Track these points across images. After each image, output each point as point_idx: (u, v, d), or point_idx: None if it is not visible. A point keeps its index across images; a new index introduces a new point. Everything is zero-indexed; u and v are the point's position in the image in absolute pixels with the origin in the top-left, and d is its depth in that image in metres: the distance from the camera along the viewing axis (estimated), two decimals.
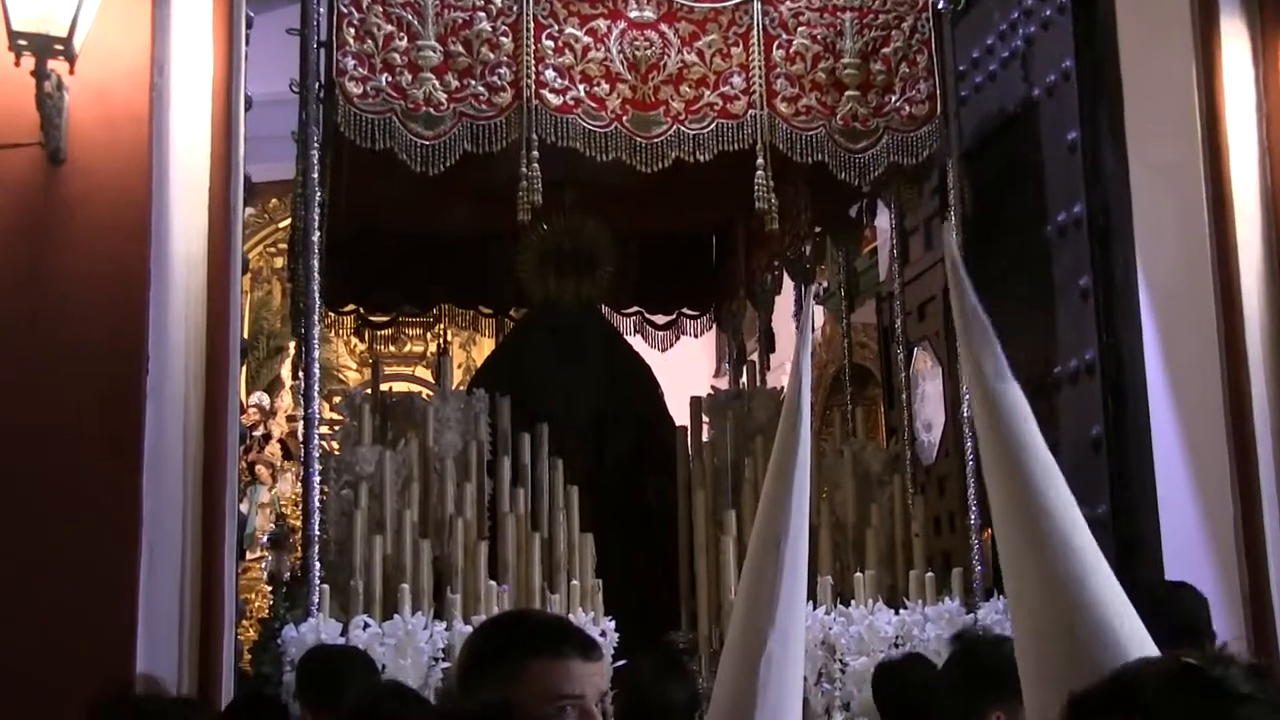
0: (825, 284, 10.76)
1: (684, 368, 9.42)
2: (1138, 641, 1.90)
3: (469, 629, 5.32)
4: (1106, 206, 5.91)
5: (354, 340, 11.52)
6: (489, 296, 8.60)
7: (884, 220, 7.66)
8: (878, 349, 8.56)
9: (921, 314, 7.42)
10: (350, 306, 8.42)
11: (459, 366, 13.50)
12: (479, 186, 7.18)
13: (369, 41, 5.80)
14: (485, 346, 12.76)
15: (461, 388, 6.98)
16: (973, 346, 2.10)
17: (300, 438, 5.93)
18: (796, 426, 2.41)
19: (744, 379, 8.26)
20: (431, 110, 5.80)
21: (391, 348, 10.14)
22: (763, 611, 2.30)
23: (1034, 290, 6.30)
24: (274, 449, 12.36)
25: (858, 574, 6.06)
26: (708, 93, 6.03)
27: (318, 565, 5.47)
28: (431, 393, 6.80)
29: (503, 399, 6.54)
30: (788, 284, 8.12)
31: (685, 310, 8.96)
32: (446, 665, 5.35)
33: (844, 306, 7.88)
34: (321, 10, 5.79)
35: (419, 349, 13.35)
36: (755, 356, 8.46)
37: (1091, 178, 5.96)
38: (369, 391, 6.86)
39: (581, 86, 5.92)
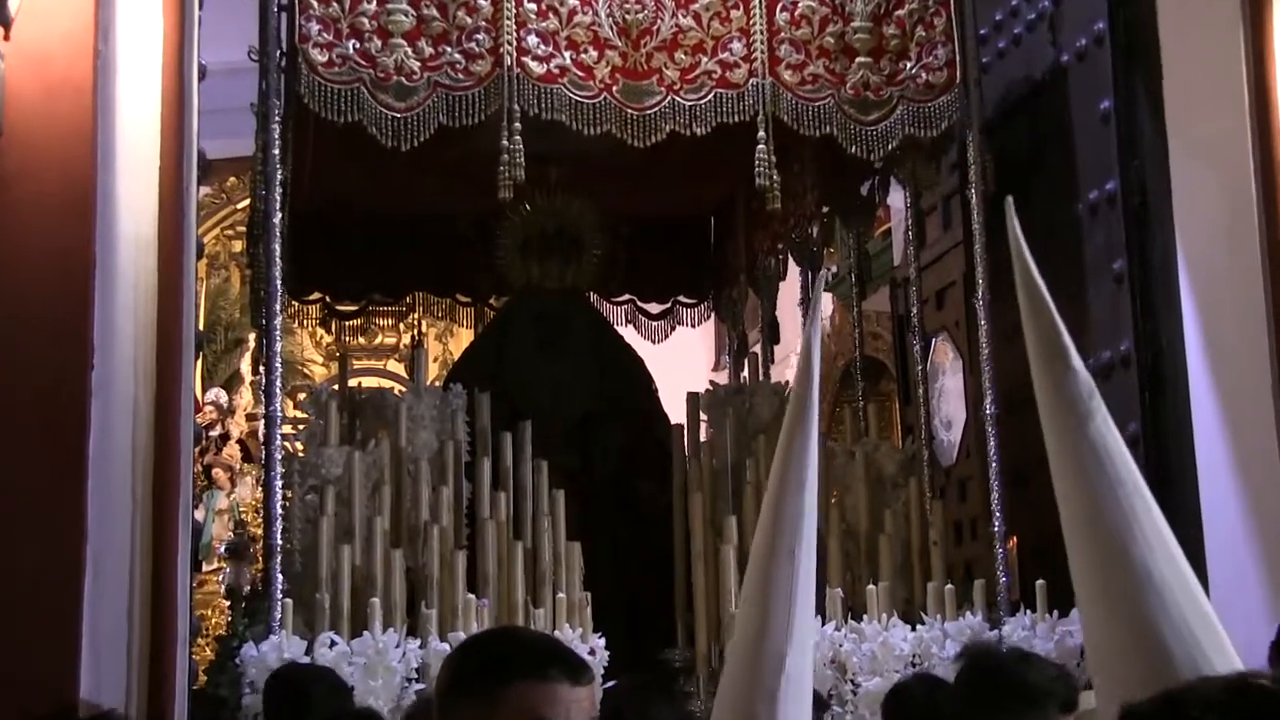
0: (834, 269, 10.76)
1: (680, 361, 9.41)
2: (1218, 655, 1.93)
3: (445, 647, 5.31)
4: (1143, 183, 5.90)
5: (320, 332, 11.53)
6: (467, 283, 8.59)
7: (898, 199, 7.65)
8: (892, 340, 8.56)
9: (940, 301, 7.41)
10: (315, 295, 8.40)
11: (434, 360, 13.48)
12: (456, 163, 7.15)
13: (334, 4, 5.78)
14: (463, 338, 12.74)
15: (437, 383, 6.98)
16: (1042, 334, 2.12)
17: (261, 438, 5.91)
18: (806, 421, 2.41)
19: (745, 373, 8.25)
20: (403, 80, 5.77)
21: (360, 340, 10.11)
22: (780, 630, 2.29)
23: (1063, 275, 6.28)
24: (232, 450, 12.35)
25: (870, 586, 6.05)
26: (705, 60, 6.01)
27: (280, 577, 5.46)
28: (404, 388, 6.79)
29: (482, 395, 6.53)
30: (793, 269, 8.11)
31: (681, 298, 8.95)
32: (421, 687, 5.32)
33: (855, 293, 7.87)
34: None
35: (390, 341, 13.33)
36: (758, 348, 8.45)
37: (1126, 151, 5.95)
38: (336, 387, 6.84)
39: (567, 54, 5.90)
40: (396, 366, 13.42)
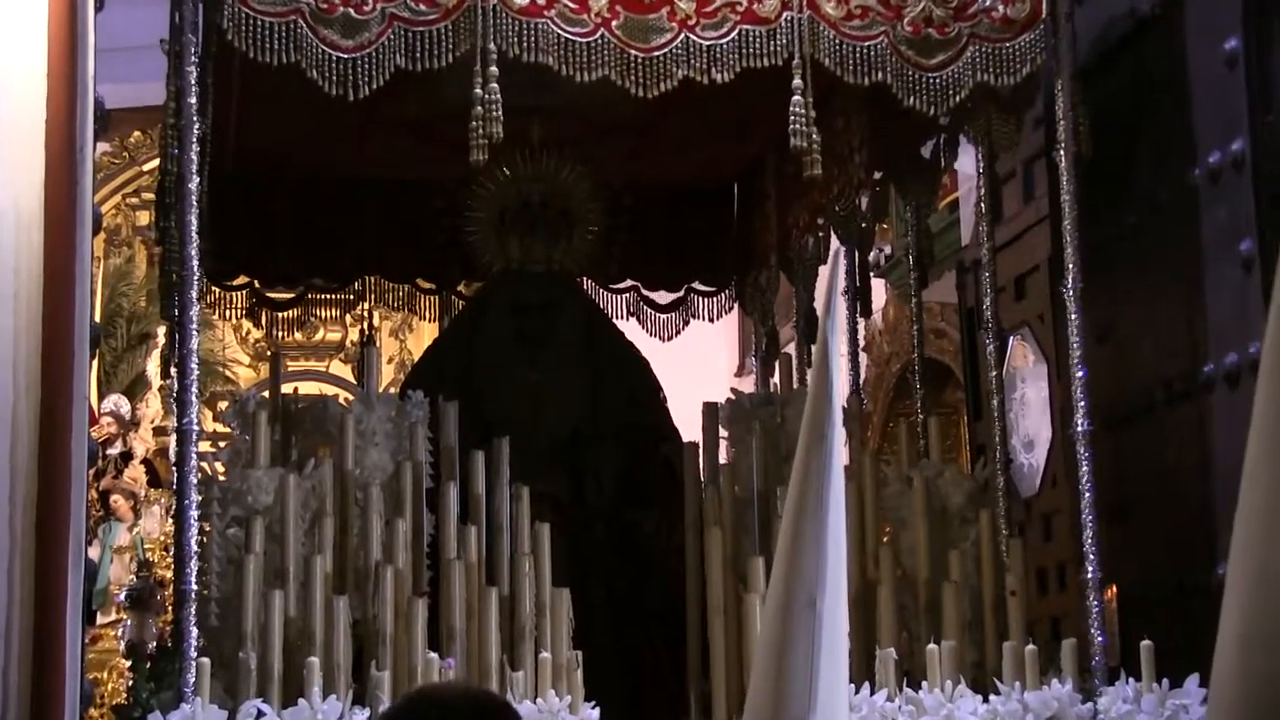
0: (887, 250, 10.77)
1: (695, 363, 9.42)
2: None
3: None
4: (1278, 143, 5.88)
5: (246, 325, 11.50)
6: (430, 266, 8.59)
7: (968, 163, 7.63)
8: (959, 338, 8.55)
9: (1019, 290, 7.41)
10: (241, 279, 8.40)
11: (389, 361, 13.50)
12: (417, 117, 7.15)
13: None
14: (425, 334, 12.76)
15: (393, 389, 6.96)
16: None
17: (172, 457, 5.91)
18: (824, 440, 2.42)
19: (776, 378, 8.23)
20: (351, 11, 5.77)
21: (297, 335, 10.11)
22: (799, 698, 2.30)
23: (1175, 258, 6.28)
24: (136, 473, 12.36)
25: (931, 646, 6.04)
26: None
27: (195, 631, 5.45)
28: (351, 396, 6.78)
29: (448, 405, 6.53)
30: (835, 249, 8.10)
31: (697, 285, 8.95)
32: None
33: (913, 281, 7.86)
34: None
35: (334, 337, 13.35)
36: (792, 348, 8.44)
37: (1258, 103, 5.93)
38: (266, 394, 6.84)
39: None
40: (341, 369, 13.43)
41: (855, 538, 6.30)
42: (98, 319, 6.80)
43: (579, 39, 5.88)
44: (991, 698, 5.88)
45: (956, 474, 6.72)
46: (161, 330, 11.32)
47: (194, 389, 5.67)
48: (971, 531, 6.45)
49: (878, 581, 6.19)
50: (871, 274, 8.40)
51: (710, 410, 7.01)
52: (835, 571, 2.41)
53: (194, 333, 5.73)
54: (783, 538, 2.47)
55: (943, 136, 7.25)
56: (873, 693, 5.80)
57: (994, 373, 7.07)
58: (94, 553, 10.83)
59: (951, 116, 6.64)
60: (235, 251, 8.06)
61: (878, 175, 7.68)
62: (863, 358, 8.78)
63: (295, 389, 7.35)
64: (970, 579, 6.30)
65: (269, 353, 12.05)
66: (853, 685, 5.69)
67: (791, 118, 5.89)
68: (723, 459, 6.90)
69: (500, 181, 7.73)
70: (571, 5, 5.90)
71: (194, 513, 5.56)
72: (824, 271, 8.21)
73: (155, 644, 9.35)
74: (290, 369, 12.02)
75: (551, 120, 7.40)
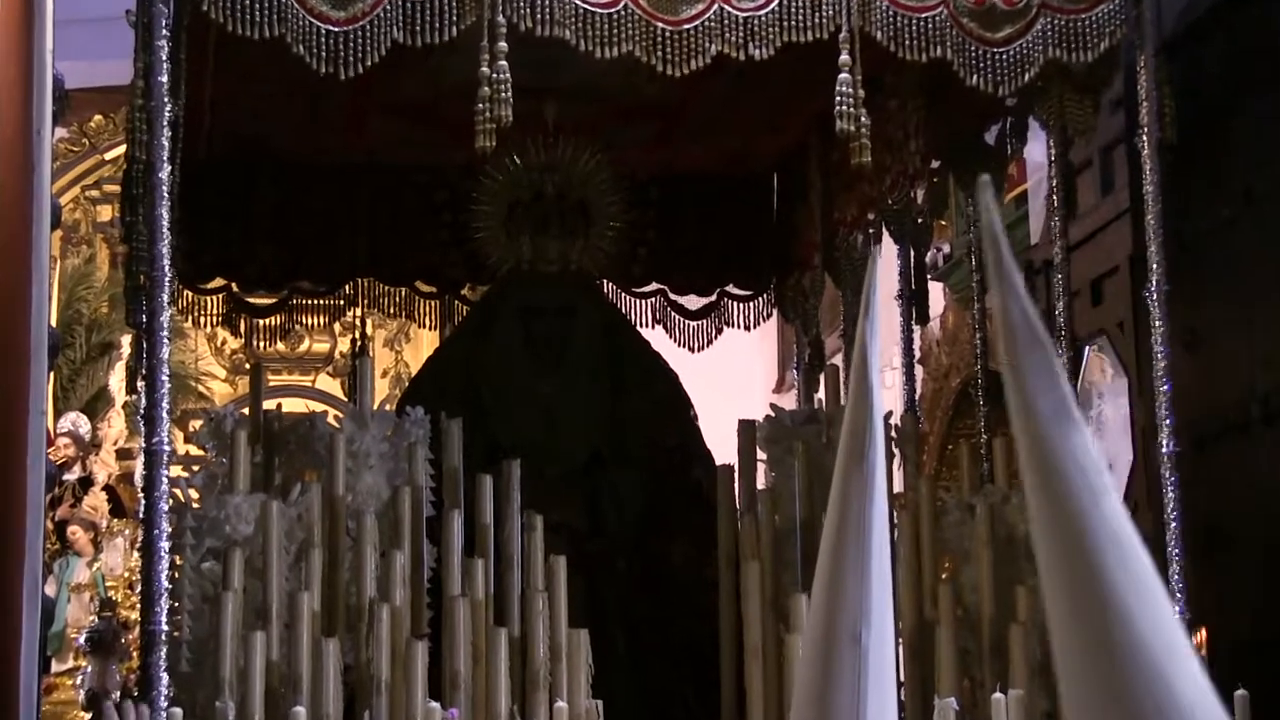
0: (946, 249, 10.76)
1: (729, 376, 9.42)
2: None
3: None
4: None
5: (222, 334, 11.54)
6: (430, 267, 8.60)
7: (1038, 151, 7.62)
8: None
9: (1097, 294, 7.41)
10: (217, 281, 8.42)
11: (383, 375, 13.50)
12: (416, 99, 7.16)
13: None
14: (424, 344, 12.74)
15: (389, 406, 6.97)
16: (1020, 368, 2.13)
17: (139, 483, 5.92)
18: (864, 457, 2.43)
19: (821, 393, 8.23)
20: None
21: (280, 346, 10.14)
22: None
23: (1273, 255, 6.27)
24: (97, 501, 12.38)
25: (997, 695, 6.03)
26: None
27: (165, 679, 5.44)
28: (341, 413, 6.78)
29: (451, 423, 6.53)
30: (889, 248, 8.10)
31: (731, 288, 8.94)
32: None
33: (975, 284, 7.86)
34: None
35: (322, 348, 13.37)
36: (839, 359, 8.44)
37: None
38: (246, 411, 6.84)
39: None
40: (329, 383, 13.46)
41: (911, 573, 6.31)
42: (53, 324, 6.83)
43: (599, 10, 5.89)
44: None
45: (1025, 501, 6.70)
46: (126, 339, 11.35)
47: (164, 406, 5.66)
48: None
49: (936, 622, 6.18)
50: (929, 276, 8.39)
51: (747, 429, 7.01)
52: (881, 602, 2.41)
53: (164, 342, 5.71)
54: (821, 567, 2.47)
55: (1009, 120, 7.24)
56: None
57: None
58: (49, 590, 10.84)
59: (1019, 97, 6.64)
60: (211, 251, 8.08)
61: (935, 164, 7.67)
62: (918, 371, 8.77)
63: (278, 405, 7.34)
64: (1041, 619, 6.28)
65: (248, 365, 12.07)
66: None
67: (838, 99, 5.90)
68: (761, 484, 6.90)
69: (510, 171, 7.73)
70: None
71: (164, 544, 5.53)
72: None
73: (119, 693, 9.37)
74: (272, 384, 12.03)
75: (568, 102, 7.40)
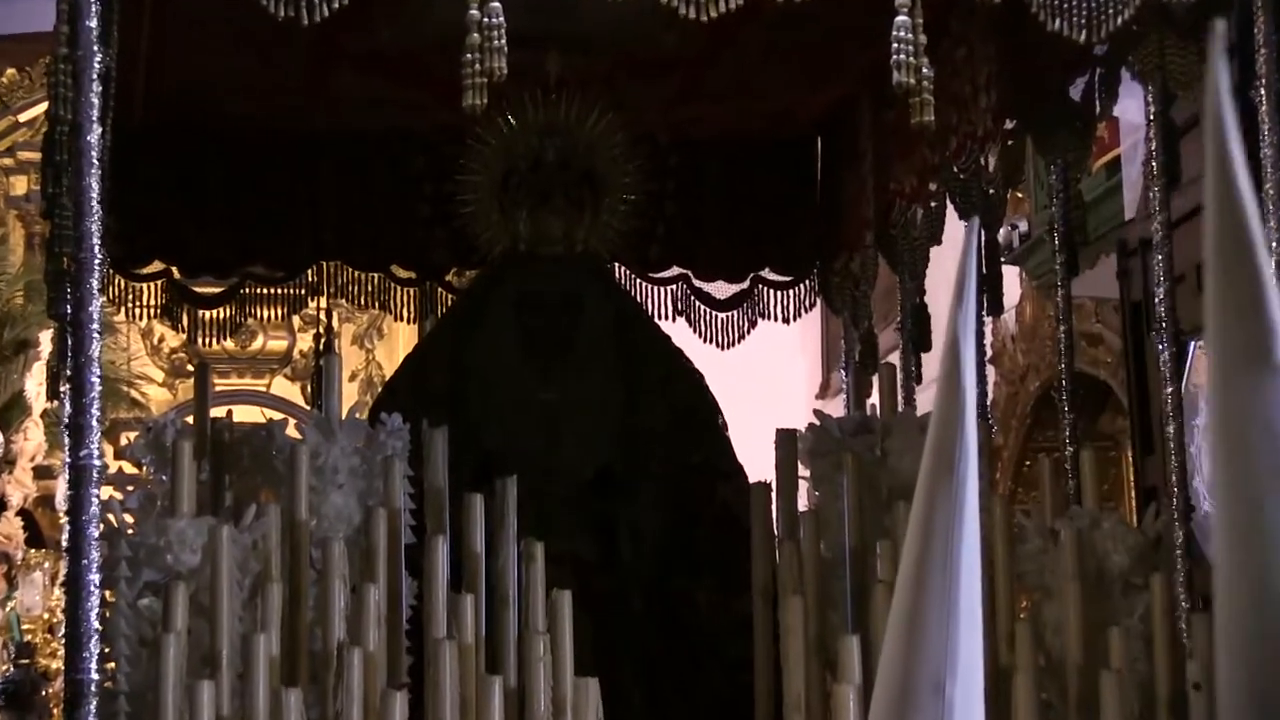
0: (1023, 226, 10.76)
1: (764, 378, 9.44)
2: None
3: None
4: None
5: (160, 329, 11.57)
6: (408, 249, 8.63)
7: (1133, 109, 7.62)
8: (1122, 346, 8.55)
9: (1204, 280, 7.41)
10: (155, 266, 8.45)
11: (351, 377, 13.48)
12: (391, 50, 7.18)
13: None
14: (400, 340, 12.74)
15: (360, 414, 6.99)
16: (1236, 290, 2.16)
17: (62, 505, 5.93)
18: (952, 475, 2.45)
19: (874, 398, 8.25)
20: None
21: (229, 343, 10.15)
22: None
23: None
24: (10, 528, 12.42)
25: None
26: None
27: None
28: (303, 422, 6.81)
29: (434, 433, 6.55)
30: (953, 225, 8.11)
31: (767, 274, 8.96)
32: None
33: (1059, 267, 7.86)
34: None
35: (278, 345, 13.38)
36: (895, 357, 8.45)
37: None
38: (189, 421, 6.86)
39: None
40: (287, 387, 13.49)
41: (983, 610, 6.32)
42: None
43: None
44: None
45: (1119, 526, 6.71)
46: (46, 335, 11.36)
47: (94, 412, 5.69)
48: (1139, 603, 6.46)
49: (1013, 669, 6.19)
50: (1002, 259, 8.40)
51: (786, 441, 7.02)
52: (969, 647, 2.43)
53: (95, 337, 5.74)
54: (898, 605, 2.49)
55: (1099, 72, 7.25)
56: None
57: (1169, 390, 7.07)
58: None
59: (1111, 45, 6.65)
60: (147, 230, 8.10)
61: (1010, 125, 7.68)
62: (990, 372, 8.79)
63: (228, 413, 7.34)
64: (1138, 667, 6.30)
65: (191, 366, 12.09)
66: None
67: (894, 46, 5.89)
68: (803, 505, 6.91)
69: (504, 135, 7.75)
70: None
71: (93, 579, 5.54)
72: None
73: None
74: (220, 388, 12.04)
75: (573, 53, 7.43)
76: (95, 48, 5.80)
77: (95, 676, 5.53)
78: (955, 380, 2.46)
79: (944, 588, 2.41)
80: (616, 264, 8.38)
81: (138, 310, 8.61)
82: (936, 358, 8.49)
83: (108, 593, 5.84)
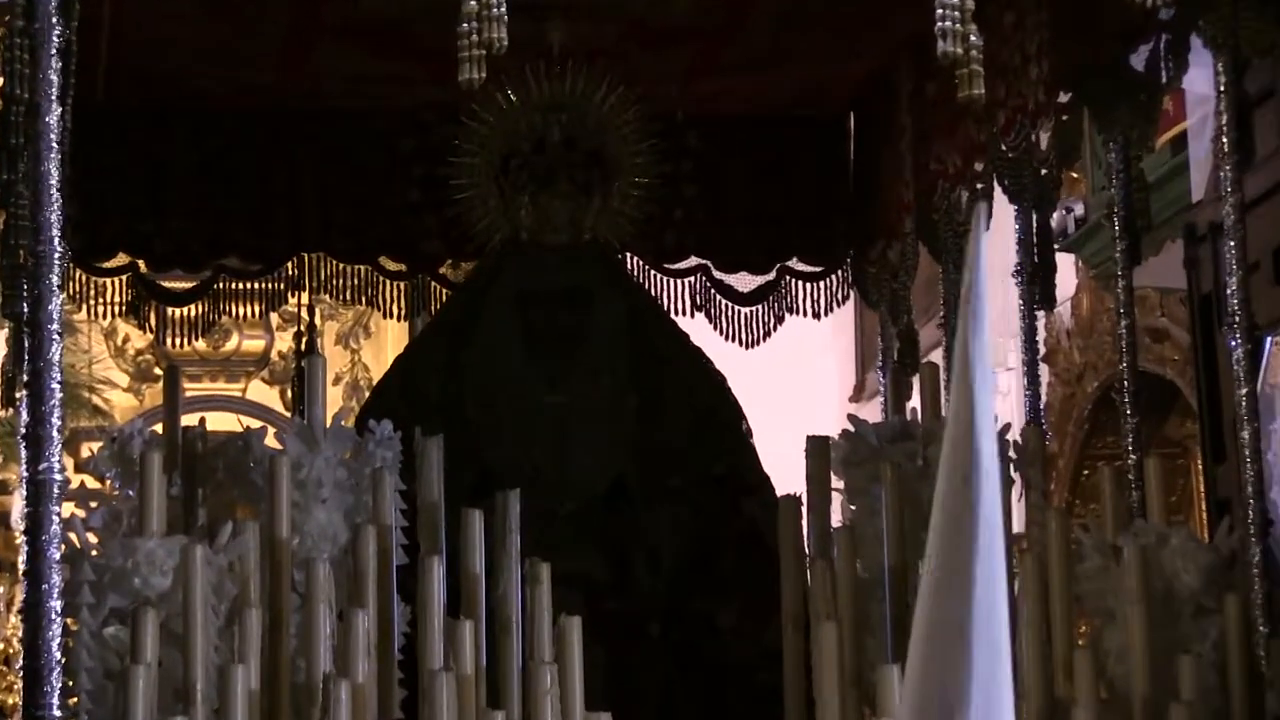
0: (1079, 210, 10.75)
1: (793, 380, 9.43)
2: None
3: None
4: None
5: (124, 329, 11.57)
6: (398, 239, 8.64)
7: (1201, 79, 7.61)
8: (1190, 341, 8.54)
9: None
10: (120, 259, 8.45)
11: (335, 381, 13.47)
12: (379, 19, 7.18)
13: None
14: (389, 340, 12.72)
15: (346, 421, 6.98)
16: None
17: (18, 524, 5.93)
18: (967, 487, 2.46)
19: (915, 402, 8.24)
20: None
21: (201, 344, 10.16)
22: None
23: None
24: None
25: None
26: None
27: None
28: (283, 430, 6.80)
29: (429, 442, 6.55)
30: (1001, 208, 8.11)
31: (795, 264, 8.96)
32: None
33: (1119, 255, 7.85)
34: None
35: (254, 345, 13.36)
36: (939, 355, 8.44)
37: None
38: (158, 429, 6.85)
39: None
40: (265, 392, 13.48)
41: (1037, 637, 6.32)
42: None
43: None
44: None
45: (1189, 542, 6.71)
46: (1, 337, 11.37)
47: (55, 421, 5.68)
48: (1212, 627, 6.45)
49: (1072, 702, 6.18)
50: (1056, 247, 8.39)
51: (818, 449, 7.02)
52: (988, 676, 2.44)
53: (55, 339, 5.73)
54: (915, 631, 2.50)
55: (1164, 39, 7.24)
56: None
57: (1243, 391, 7.06)
58: None
59: (1178, 8, 6.64)
60: (112, 219, 8.11)
61: (1065, 97, 7.68)
62: (1043, 371, 8.78)
63: (201, 421, 7.34)
64: (1211, 697, 6.29)
65: (159, 369, 12.09)
66: None
67: (939, 11, 5.89)
68: (837, 520, 6.91)
69: (504, 112, 7.76)
70: None
71: (54, 605, 5.54)
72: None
73: None
74: (191, 393, 12.05)
75: (580, 21, 7.43)
76: (54, 19, 5.80)
77: (57, 713, 5.52)
78: (967, 383, 2.47)
79: (960, 609, 2.42)
80: (628, 254, 8.38)
81: (100, 308, 8.62)
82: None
83: (70, 620, 5.84)
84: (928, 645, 2.44)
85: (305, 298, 8.91)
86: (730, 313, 8.90)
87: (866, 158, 8.82)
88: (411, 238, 8.56)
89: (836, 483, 6.98)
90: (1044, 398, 8.75)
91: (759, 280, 8.93)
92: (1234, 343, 7.10)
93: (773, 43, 7.69)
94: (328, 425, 6.64)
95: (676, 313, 8.62)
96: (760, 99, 8.39)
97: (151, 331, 8.91)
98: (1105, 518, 6.92)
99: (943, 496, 2.46)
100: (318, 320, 9.57)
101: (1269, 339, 7.31)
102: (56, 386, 5.68)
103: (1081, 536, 6.74)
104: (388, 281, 8.82)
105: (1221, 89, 7.21)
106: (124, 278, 8.49)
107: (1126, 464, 7.48)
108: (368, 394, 9.22)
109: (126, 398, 13.52)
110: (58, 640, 5.56)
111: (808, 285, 8.98)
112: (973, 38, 5.91)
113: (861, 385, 13.36)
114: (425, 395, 7.49)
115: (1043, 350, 8.73)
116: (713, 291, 8.87)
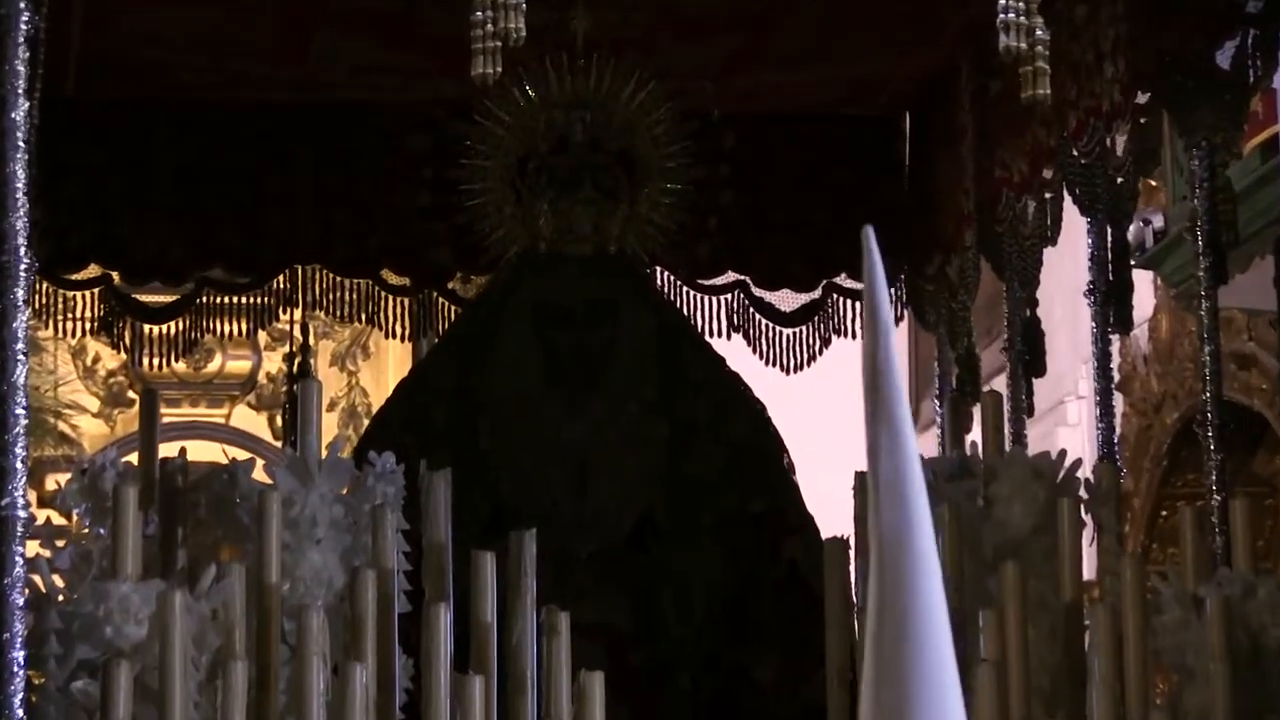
0: (1158, 222, 10.74)
1: (838, 409, 9.40)
2: None
3: None
4: None
5: (94, 348, 11.57)
6: (401, 250, 8.65)
7: None
8: None
9: None
10: (91, 270, 8.45)
11: (332, 406, 13.48)
12: (383, 6, 7.19)
13: None
14: (391, 361, 12.73)
15: (343, 451, 6.98)
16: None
17: None
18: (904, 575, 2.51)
19: (976, 434, 8.23)
20: None
21: (180, 365, 10.17)
22: None
23: None
24: None
25: None
26: None
27: None
28: (273, 462, 6.79)
29: (435, 477, 6.54)
30: (1072, 220, 8.10)
31: (842, 281, 8.96)
32: None
33: (1203, 273, 7.84)
34: None
35: (240, 366, 13.37)
36: (1002, 382, 8.43)
37: None
38: (132, 460, 6.85)
39: None
40: (252, 419, 13.49)
41: (1110, 694, 6.29)
42: None
43: None
44: None
45: (1278, 593, 6.69)
46: None
47: (19, 451, 5.67)
48: None
49: None
50: (1132, 263, 8.38)
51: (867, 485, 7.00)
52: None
53: (20, 360, 5.73)
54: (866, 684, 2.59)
55: (1251, 34, 7.23)
56: None
57: None
58: None
59: (1267, 1, 6.64)
60: (83, 226, 8.12)
61: (1143, 98, 7.67)
62: (1118, 401, 8.76)
63: (181, 451, 7.35)
64: None
65: (134, 393, 12.09)
66: None
67: (1001, 3, 5.89)
68: None
69: (522, 109, 7.76)
70: None
71: (17, 655, 5.54)
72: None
73: None
74: (170, 419, 12.05)
75: (605, 9, 7.43)
76: (21, 4, 5.80)
77: None
78: (879, 356, 2.57)
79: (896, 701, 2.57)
80: (658, 268, 8.37)
81: (69, 324, 8.62)
82: (1053, 386, 8.47)
83: (34, 674, 5.83)
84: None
85: (298, 314, 8.92)
86: (771, 334, 8.91)
87: (923, 162, 8.82)
88: (418, 247, 8.57)
89: None
90: (1118, 430, 8.73)
91: (803, 298, 8.94)
92: None
93: (820, 33, 7.70)
94: (322, 457, 6.63)
95: (711, 334, 8.63)
96: (805, 96, 8.41)
97: (126, 351, 8.92)
98: (1185, 564, 6.90)
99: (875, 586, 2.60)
100: (311, 339, 9.57)
101: None
102: (21, 413, 5.67)
103: (1159, 585, 6.73)
104: (390, 297, 8.83)
105: None
106: (95, 291, 8.50)
107: (1209, 504, 7.46)
108: (367, 422, 9.18)
109: (97, 424, 13.53)
110: (20, 695, 5.55)
111: (856, 304, 8.97)
112: (1039, 31, 5.90)
113: (916, 415, 13.34)
114: (432, 424, 7.49)
115: (1117, 378, 8.73)
116: (752, 310, 8.88)
